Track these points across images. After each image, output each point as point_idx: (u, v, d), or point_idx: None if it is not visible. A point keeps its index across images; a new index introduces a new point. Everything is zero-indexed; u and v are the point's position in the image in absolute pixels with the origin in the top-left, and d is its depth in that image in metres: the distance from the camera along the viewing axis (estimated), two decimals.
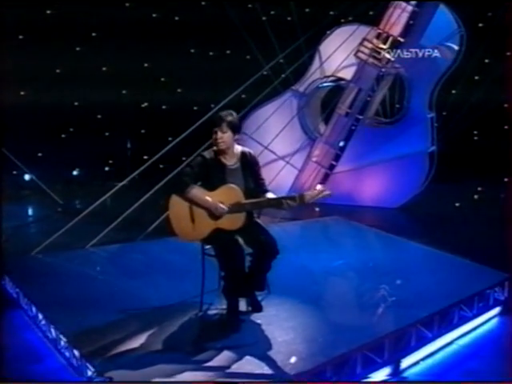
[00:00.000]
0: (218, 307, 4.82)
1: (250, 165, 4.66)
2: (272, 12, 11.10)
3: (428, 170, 9.11)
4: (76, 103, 10.63)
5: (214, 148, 4.61)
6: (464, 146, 10.16)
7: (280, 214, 7.81)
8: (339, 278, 5.77)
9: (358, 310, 5.05)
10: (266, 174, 8.47)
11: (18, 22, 9.70)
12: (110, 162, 10.95)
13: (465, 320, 5.15)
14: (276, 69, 9.53)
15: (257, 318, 4.71)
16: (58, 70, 10.46)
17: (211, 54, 11.46)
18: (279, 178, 8.87)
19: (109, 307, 4.92)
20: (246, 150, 4.72)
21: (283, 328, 4.55)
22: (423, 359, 4.67)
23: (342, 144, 9.47)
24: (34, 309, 5.09)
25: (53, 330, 4.70)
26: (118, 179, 8.17)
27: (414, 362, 4.60)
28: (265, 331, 4.51)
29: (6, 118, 9.23)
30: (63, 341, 4.53)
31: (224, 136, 4.52)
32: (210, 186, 4.54)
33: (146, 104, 11.13)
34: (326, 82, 9.50)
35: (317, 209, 8.91)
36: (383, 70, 9.18)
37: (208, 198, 4.49)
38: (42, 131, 10.10)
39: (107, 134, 10.89)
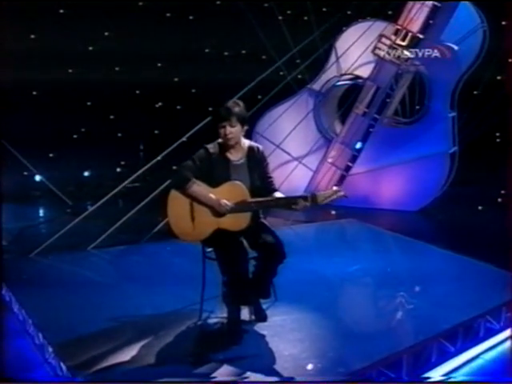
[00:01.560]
0: (219, 316, 4.30)
1: (257, 161, 4.15)
2: (288, 12, 10.68)
3: (449, 171, 8.50)
4: (88, 103, 10.22)
5: (219, 140, 4.10)
6: (487, 147, 9.53)
7: (292, 217, 7.30)
8: (353, 285, 5.23)
9: (373, 320, 4.47)
10: (280, 174, 8.24)
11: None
12: (122, 163, 10.52)
13: (491, 333, 4.55)
14: (292, 69, 9.05)
15: (261, 328, 4.18)
16: (70, 70, 10.08)
17: (226, 53, 11.05)
18: (293, 179, 8.39)
19: (102, 314, 4.44)
20: (255, 144, 4.22)
21: (289, 340, 4.02)
22: (445, 376, 4.09)
23: (358, 145, 8.95)
24: (23, 313, 4.64)
25: (40, 338, 4.24)
26: (129, 181, 7.72)
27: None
28: (269, 343, 3.98)
29: (18, 119, 9.00)
30: (49, 350, 4.05)
31: (233, 130, 4.02)
32: (213, 183, 4.05)
33: (160, 104, 10.70)
34: (342, 80, 8.97)
35: (333, 212, 8.37)
36: (402, 67, 8.61)
37: (210, 195, 3.98)
38: (53, 132, 9.72)
39: (120, 134, 10.47)
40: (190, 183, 3.97)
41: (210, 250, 4.26)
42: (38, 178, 9.60)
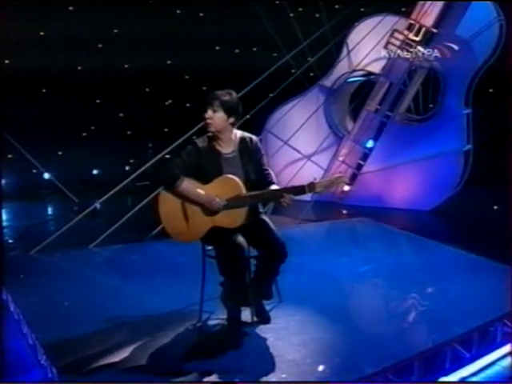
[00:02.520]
0: (220, 317, 4.00)
1: (250, 153, 3.84)
2: (300, 9, 10.39)
3: (463, 170, 8.17)
4: (98, 101, 9.99)
5: (209, 134, 3.82)
6: (503, 145, 9.14)
7: (302, 215, 7.01)
8: (362, 286, 4.91)
9: (383, 324, 4.14)
10: (290, 172, 7.96)
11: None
12: (131, 161, 10.27)
13: (509, 338, 4.21)
14: (303, 65, 8.75)
15: (263, 330, 3.89)
16: (79, 67, 9.85)
17: (237, 51, 10.78)
18: (303, 178, 7.97)
19: (98, 313, 4.18)
20: (247, 135, 3.91)
21: (293, 344, 3.72)
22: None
23: (370, 142, 8.65)
24: (18, 312, 4.39)
25: (33, 338, 3.99)
26: (138, 179, 7.49)
27: None
28: (270, 347, 3.69)
29: (27, 117, 8.81)
30: (41, 351, 3.80)
31: (214, 116, 3.72)
32: (205, 179, 3.76)
33: (169, 102, 10.44)
34: (354, 77, 8.68)
35: (344, 211, 8.08)
36: (415, 63, 8.29)
37: (201, 192, 3.71)
38: (62, 130, 9.51)
39: (129, 132, 10.23)
40: (178, 181, 3.69)
41: (210, 248, 3.98)
42: (46, 176, 9.43)
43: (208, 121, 3.74)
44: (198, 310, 4.05)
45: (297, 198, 8.19)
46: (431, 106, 8.91)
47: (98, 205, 6.82)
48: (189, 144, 3.84)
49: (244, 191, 3.70)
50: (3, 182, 9.62)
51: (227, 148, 3.84)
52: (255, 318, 3.95)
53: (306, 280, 4.67)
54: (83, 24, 9.43)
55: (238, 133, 3.90)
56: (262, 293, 3.89)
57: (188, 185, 3.72)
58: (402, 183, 8.40)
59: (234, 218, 3.69)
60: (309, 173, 8.40)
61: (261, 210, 3.94)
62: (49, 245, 6.03)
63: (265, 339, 3.77)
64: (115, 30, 9.92)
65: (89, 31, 9.54)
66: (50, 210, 9.04)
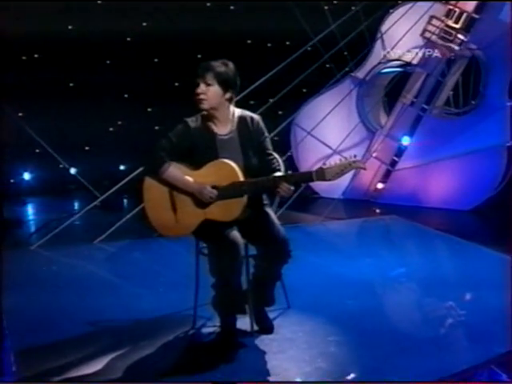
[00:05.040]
0: (217, 324, 3.34)
1: (251, 134, 3.19)
2: (335, 1, 9.72)
3: (506, 167, 7.28)
4: (126, 95, 9.52)
5: (204, 112, 3.19)
6: None
7: (325, 212, 6.30)
8: (390, 292, 4.22)
9: (407, 338, 3.37)
10: None
11: None
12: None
13: None
14: (338, 59, 8.08)
15: (264, 342, 3.22)
16: (107, 61, 9.41)
17: (269, 45, 10.16)
18: None
19: (82, 315, 3.63)
20: (248, 113, 3.26)
21: (298, 358, 3.04)
22: None
23: (405, 137, 7.86)
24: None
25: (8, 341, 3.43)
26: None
27: None
28: (271, 361, 3.02)
29: (53, 111, 8.47)
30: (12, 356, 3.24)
31: (208, 90, 3.09)
32: (198, 164, 3.14)
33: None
34: (388, 67, 7.91)
35: (377, 210, 7.34)
36: (455, 52, 7.47)
37: (189, 179, 3.08)
38: (89, 125, 9.10)
39: (157, 128, 9.71)
40: (164, 166, 3.08)
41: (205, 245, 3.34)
42: (73, 171, 9.04)
43: (201, 96, 3.11)
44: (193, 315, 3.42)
45: (324, 194, 7.49)
46: (472, 97, 8.06)
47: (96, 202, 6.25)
48: (179, 124, 3.22)
49: (241, 178, 3.05)
50: (30, 176, 9.37)
51: (223, 128, 3.20)
52: (255, 327, 3.29)
53: (320, 283, 3.99)
54: (109, 17, 8.96)
55: (237, 111, 3.25)
56: (262, 298, 3.24)
57: (175, 171, 3.11)
58: (439, 181, 7.59)
59: (229, 210, 3.05)
60: None
61: (265, 202, 3.28)
62: (59, 240, 5.56)
63: (264, 353, 3.10)
64: (144, 23, 9.44)
65: (116, 25, 9.12)
66: (73, 205, 8.65)
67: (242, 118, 3.21)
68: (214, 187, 3.06)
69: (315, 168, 3.02)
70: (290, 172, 3.23)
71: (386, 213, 6.98)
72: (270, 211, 3.24)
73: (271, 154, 3.23)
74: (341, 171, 2.96)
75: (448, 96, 7.97)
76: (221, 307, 3.12)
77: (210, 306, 3.30)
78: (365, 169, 3.10)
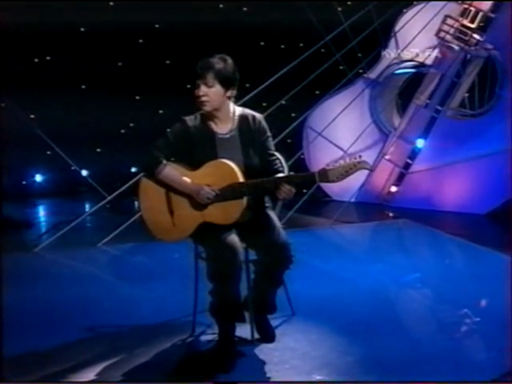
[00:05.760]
0: (217, 331, 3.16)
1: (252, 133, 3.02)
2: (349, 3, 9.53)
3: None
4: (137, 97, 9.42)
5: (202, 111, 3.03)
6: None
7: (336, 215, 6.11)
8: (401, 299, 4.01)
9: (420, 349, 3.13)
10: None
11: None
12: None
13: None
14: (351, 60, 7.89)
15: (265, 351, 3.03)
16: (119, 63, 9.32)
17: (283, 47, 10.01)
18: (347, 178, 7.15)
19: (80, 319, 3.50)
20: (249, 112, 3.09)
21: (300, 371, 2.84)
22: None
23: (419, 140, 7.64)
24: None
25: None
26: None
27: None
28: (271, 372, 2.83)
29: (65, 112, 8.49)
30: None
31: (210, 92, 2.93)
32: (196, 164, 2.98)
33: None
34: (402, 68, 7.71)
35: (390, 214, 7.13)
36: (471, 52, 7.25)
37: (186, 180, 2.92)
38: (101, 126, 9.01)
39: (168, 130, 9.59)
40: (160, 166, 2.94)
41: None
42: (84, 173, 8.96)
43: (203, 99, 2.95)
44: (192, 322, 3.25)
45: (336, 197, 7.27)
46: (488, 99, 7.83)
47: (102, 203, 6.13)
48: (177, 122, 3.07)
49: (241, 179, 2.89)
50: (41, 178, 9.31)
51: (224, 127, 3.04)
52: (256, 335, 3.11)
53: (327, 289, 3.79)
54: (121, 20, 8.87)
55: (238, 109, 3.09)
56: (262, 305, 3.06)
57: (171, 171, 2.96)
58: (454, 184, 7.35)
59: (228, 212, 2.88)
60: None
61: (267, 205, 3.10)
62: (65, 242, 5.45)
63: (264, 363, 2.91)
64: (156, 25, 9.34)
65: (130, 26, 9.02)
66: (84, 208, 8.55)
67: (243, 117, 3.05)
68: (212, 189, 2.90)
69: (318, 170, 2.85)
70: (291, 173, 3.04)
71: (399, 216, 6.79)
72: (272, 214, 3.07)
73: (273, 155, 3.06)
74: (345, 172, 2.79)
75: (463, 97, 7.74)
76: (218, 315, 2.95)
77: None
78: (370, 169, 2.92)
